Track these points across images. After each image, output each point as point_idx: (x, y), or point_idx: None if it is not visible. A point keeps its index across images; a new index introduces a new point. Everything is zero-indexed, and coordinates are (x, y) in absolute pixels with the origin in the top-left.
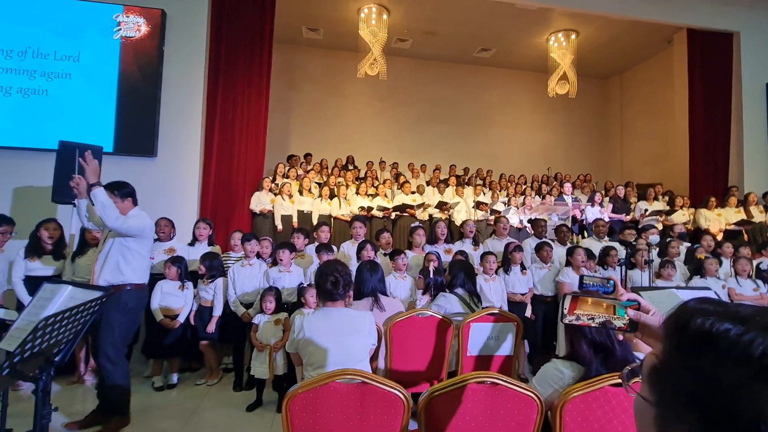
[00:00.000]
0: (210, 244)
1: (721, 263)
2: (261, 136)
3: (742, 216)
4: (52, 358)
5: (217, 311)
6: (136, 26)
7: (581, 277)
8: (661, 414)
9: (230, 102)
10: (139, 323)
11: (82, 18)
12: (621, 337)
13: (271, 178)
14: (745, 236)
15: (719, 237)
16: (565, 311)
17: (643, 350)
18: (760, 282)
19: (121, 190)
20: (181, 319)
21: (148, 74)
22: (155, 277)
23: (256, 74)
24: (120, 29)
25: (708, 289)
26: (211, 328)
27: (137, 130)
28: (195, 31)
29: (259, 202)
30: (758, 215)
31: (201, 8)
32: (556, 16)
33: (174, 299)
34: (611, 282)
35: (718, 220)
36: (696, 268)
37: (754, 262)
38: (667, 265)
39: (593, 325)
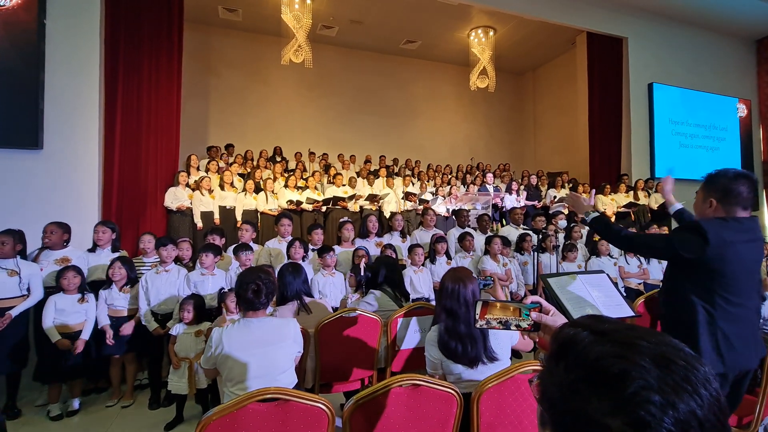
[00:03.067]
0: (114, 249)
1: None
2: (174, 125)
3: (630, 200)
4: None
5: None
6: None
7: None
8: (540, 412)
9: (134, 87)
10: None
11: None
12: (526, 338)
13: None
14: (632, 216)
15: (613, 219)
16: (477, 316)
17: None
18: (642, 259)
19: None
20: (86, 336)
21: (26, 53)
22: (47, 291)
23: (165, 56)
24: None
25: (602, 272)
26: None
27: (15, 118)
28: (85, 4)
29: (175, 198)
30: (643, 199)
31: None
32: (476, 13)
33: (73, 315)
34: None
35: (611, 204)
36: (593, 249)
37: None
38: (571, 248)
39: (502, 328)
